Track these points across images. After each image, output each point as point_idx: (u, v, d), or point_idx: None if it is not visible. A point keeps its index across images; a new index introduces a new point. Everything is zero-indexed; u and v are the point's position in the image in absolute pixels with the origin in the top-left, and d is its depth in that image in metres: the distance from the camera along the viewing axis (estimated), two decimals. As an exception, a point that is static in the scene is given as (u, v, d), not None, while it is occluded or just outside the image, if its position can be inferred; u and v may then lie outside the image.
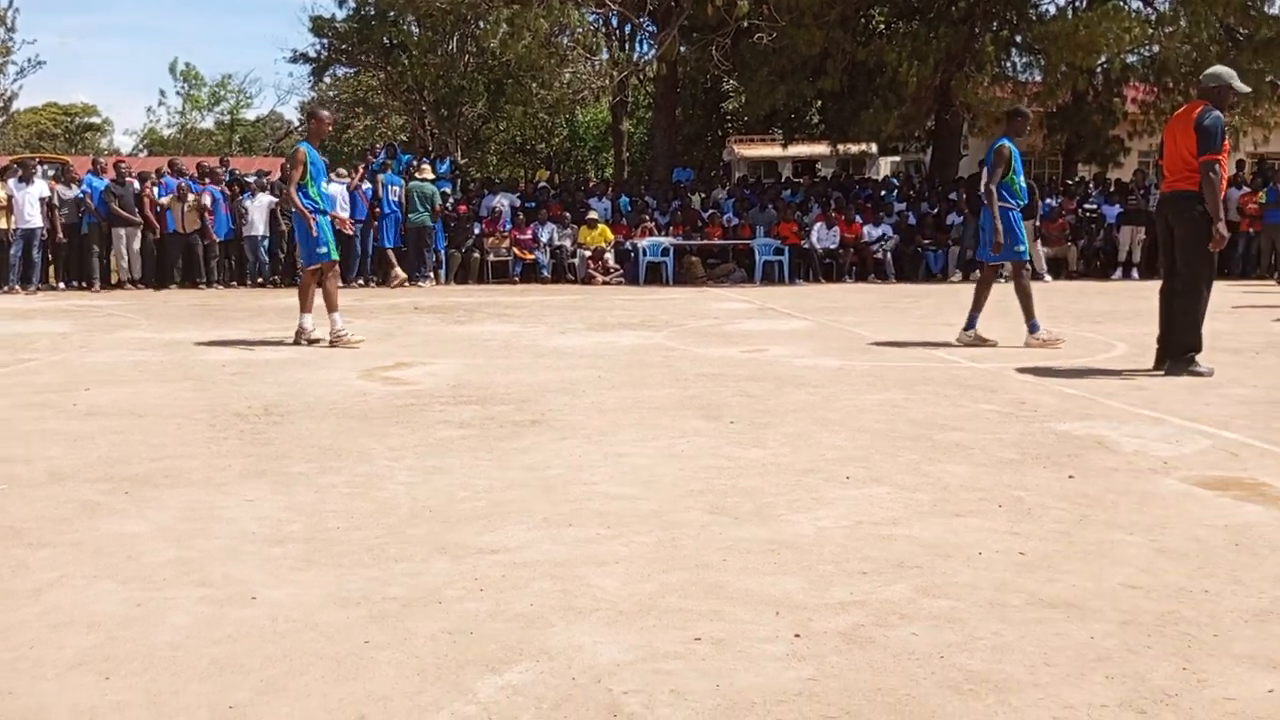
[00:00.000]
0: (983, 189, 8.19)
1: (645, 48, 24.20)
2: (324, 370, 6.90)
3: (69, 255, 15.23)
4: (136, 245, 15.14)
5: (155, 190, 15.43)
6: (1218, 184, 6.44)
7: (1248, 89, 7.39)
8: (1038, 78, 20.13)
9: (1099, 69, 19.31)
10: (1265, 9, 18.42)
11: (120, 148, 49.56)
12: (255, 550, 3.14)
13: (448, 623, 2.57)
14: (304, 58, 29.11)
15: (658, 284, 16.74)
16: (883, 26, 22.02)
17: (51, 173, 16.31)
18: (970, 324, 8.28)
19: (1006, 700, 2.15)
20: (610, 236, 17.22)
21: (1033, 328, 8.10)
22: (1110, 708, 2.12)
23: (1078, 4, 20.16)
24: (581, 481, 3.96)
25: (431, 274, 16.27)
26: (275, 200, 15.53)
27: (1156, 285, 6.95)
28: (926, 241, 17.99)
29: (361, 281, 15.96)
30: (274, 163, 32.27)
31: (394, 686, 2.22)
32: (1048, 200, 17.92)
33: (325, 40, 28.21)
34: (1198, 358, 6.52)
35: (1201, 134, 6.40)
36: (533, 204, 18.32)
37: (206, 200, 15.48)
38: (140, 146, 49.07)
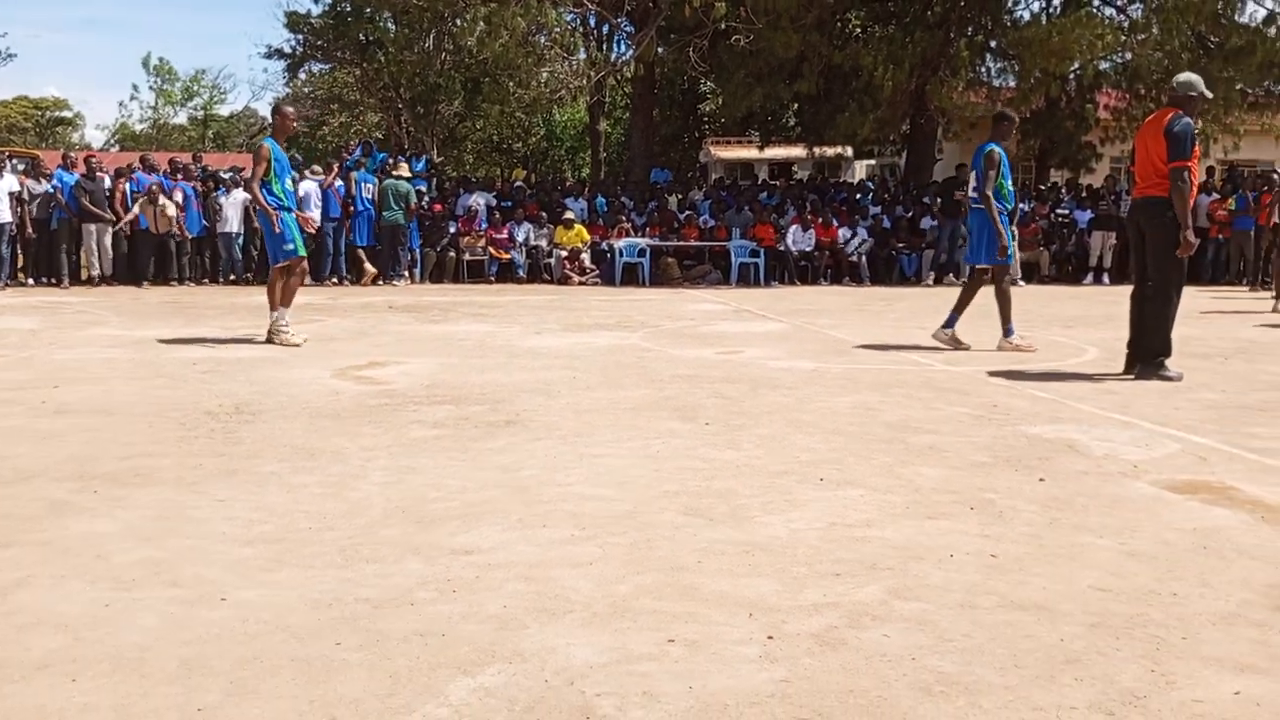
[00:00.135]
0: (979, 194, 8.20)
1: (623, 48, 24.18)
2: (297, 369, 6.86)
3: (38, 251, 15.04)
4: (108, 241, 14.97)
5: (127, 186, 15.27)
6: (1187, 191, 6.51)
7: (1209, 95, 7.48)
8: (1012, 83, 20.28)
9: (1072, 75, 19.48)
10: (1235, 18, 18.64)
11: (92, 143, 49.09)
12: (226, 550, 3.12)
13: (420, 624, 2.56)
14: (279, 53, 28.95)
15: (634, 285, 16.74)
16: (859, 30, 22.13)
17: (21, 167, 16.08)
18: (949, 323, 8.33)
19: (977, 702, 2.16)
20: (586, 237, 17.20)
21: (1008, 332, 8.16)
22: (1080, 709, 2.13)
23: (1051, 10, 20.35)
24: (556, 482, 3.95)
25: (406, 273, 16.20)
26: (250, 197, 15.40)
27: (1127, 290, 7.01)
28: (901, 245, 18.09)
29: (335, 280, 15.87)
30: (248, 159, 32.06)
31: (365, 689, 2.21)
32: (1021, 205, 18.06)
33: (300, 36, 28.05)
34: (1167, 362, 6.60)
35: (1171, 141, 6.47)
36: (509, 203, 18.27)
37: (178, 197, 15.33)
38: (112, 141, 48.60)
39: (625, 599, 2.74)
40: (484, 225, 17.24)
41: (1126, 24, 19.06)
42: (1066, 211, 18.71)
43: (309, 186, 15.78)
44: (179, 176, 15.92)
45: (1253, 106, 19.09)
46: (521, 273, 17.07)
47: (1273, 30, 18.21)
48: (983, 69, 20.88)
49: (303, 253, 8.55)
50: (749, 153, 31.45)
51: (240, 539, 3.23)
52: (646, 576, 2.91)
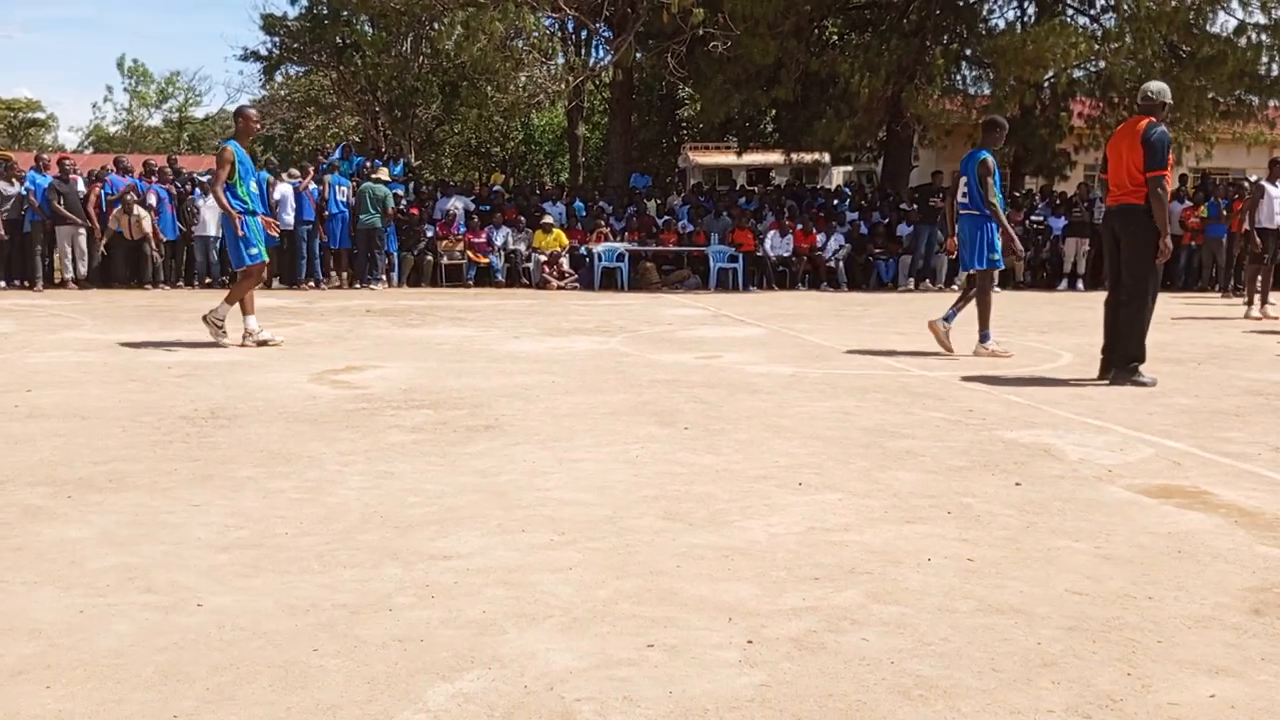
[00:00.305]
0: (972, 201, 8.25)
1: (601, 53, 24.20)
2: (273, 373, 6.81)
3: (11, 253, 14.87)
4: (82, 244, 14.84)
5: (101, 190, 15.14)
6: (1165, 198, 6.59)
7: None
8: (986, 91, 20.46)
9: (1046, 83, 19.66)
10: (1207, 27, 18.88)
11: (65, 145, 48.64)
12: (201, 556, 3.09)
13: (398, 630, 2.54)
14: (255, 56, 28.72)
15: (613, 289, 16.74)
16: (836, 38, 22.27)
17: (-7, 169, 15.91)
18: (946, 316, 8.35)
19: (955, 706, 2.17)
20: (565, 241, 17.19)
21: (984, 337, 8.22)
22: (1056, 713, 2.15)
23: (1026, 19, 20.55)
24: (535, 487, 3.94)
25: (384, 277, 16.14)
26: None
27: (1101, 296, 7.08)
28: (878, 250, 18.19)
29: (312, 284, 15.78)
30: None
31: (343, 695, 2.19)
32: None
33: (276, 38, 27.85)
34: (1141, 368, 6.66)
35: (1149, 149, 6.53)
36: (487, 207, 18.23)
37: (152, 200, 15.21)
38: (86, 143, 48.17)
39: (605, 604, 2.74)
40: (462, 229, 17.19)
41: (1100, 33, 19.27)
42: (1041, 218, 18.88)
43: (285, 189, 15.71)
44: (153, 179, 15.79)
45: (1224, 115, 19.32)
46: (500, 277, 17.04)
47: (1244, 40, 18.46)
48: (958, 77, 21.06)
49: (265, 258, 8.49)
50: (727, 158, 31.55)
51: (216, 545, 3.20)
52: (626, 581, 2.91)
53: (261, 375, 6.72)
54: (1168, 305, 11.73)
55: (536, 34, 21.37)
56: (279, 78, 33.57)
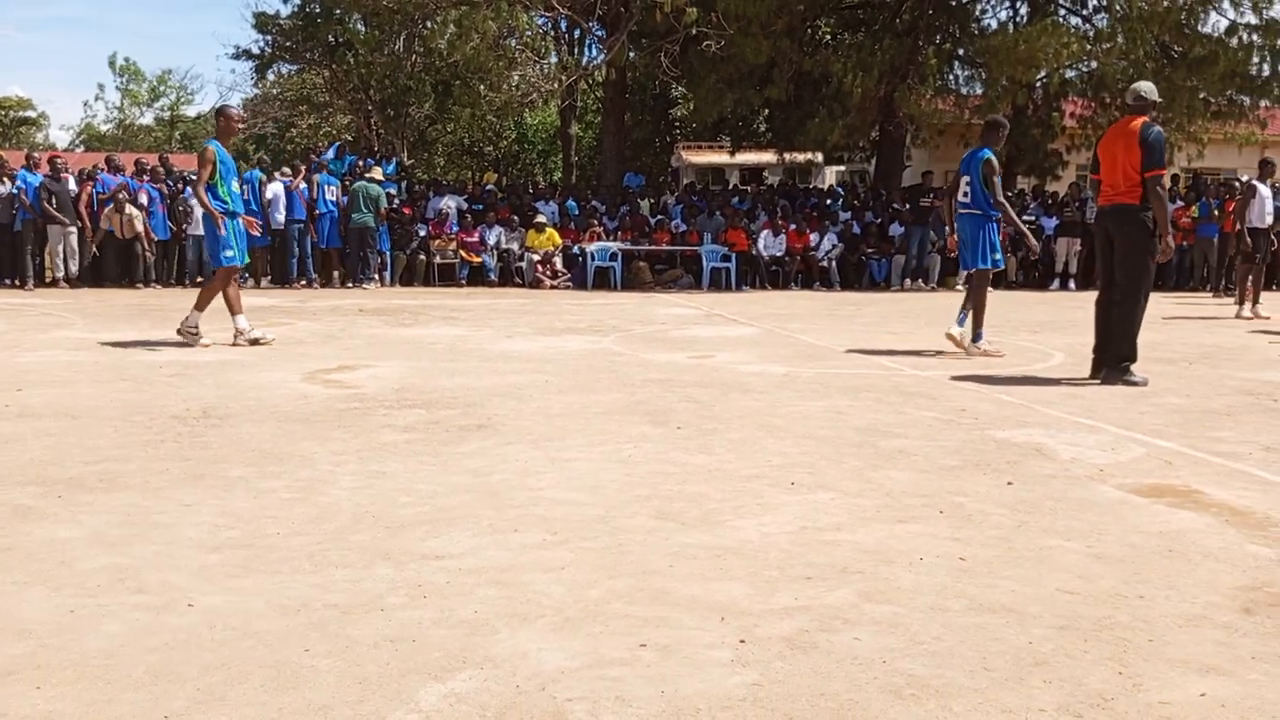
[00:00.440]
0: (974, 201, 8.25)
1: (594, 52, 24.20)
2: (265, 372, 6.80)
3: (2, 252, 14.83)
4: (74, 242, 14.79)
5: (92, 188, 15.09)
6: (1166, 197, 6.62)
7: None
8: (979, 91, 20.50)
9: (1038, 83, 19.70)
10: (1199, 28, 18.95)
11: (56, 143, 48.47)
12: (192, 556, 3.08)
13: (390, 630, 2.54)
14: (247, 54, 28.64)
15: (605, 289, 16.74)
16: (829, 37, 22.29)
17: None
18: (960, 320, 8.32)
19: (948, 705, 2.18)
20: (558, 240, 17.18)
21: (977, 337, 8.24)
22: (1048, 712, 2.15)
23: (1018, 19, 20.59)
24: (527, 487, 3.94)
25: (376, 276, 16.11)
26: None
27: (1093, 296, 7.09)
28: (870, 250, 18.22)
29: (304, 283, 15.75)
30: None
31: (335, 695, 2.19)
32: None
33: (269, 37, 27.77)
34: (1133, 367, 6.68)
35: (1147, 149, 6.55)
36: (480, 206, 18.22)
37: (143, 199, 15.16)
38: (77, 142, 48.01)
39: (597, 603, 2.73)
40: (455, 228, 17.17)
41: (1092, 33, 19.32)
42: (1033, 218, 18.92)
43: (276, 188, 15.68)
44: (145, 178, 15.74)
45: (1216, 115, 19.39)
46: (493, 276, 17.03)
47: (1235, 40, 18.53)
48: (950, 77, 21.11)
49: (241, 261, 8.45)
50: (720, 158, 31.55)
51: (207, 545, 3.19)
52: (618, 581, 2.91)
53: (253, 374, 6.70)
54: (1159, 305, 11.76)
55: (529, 33, 21.38)
56: (271, 76, 33.46)
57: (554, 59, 23.84)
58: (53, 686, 2.21)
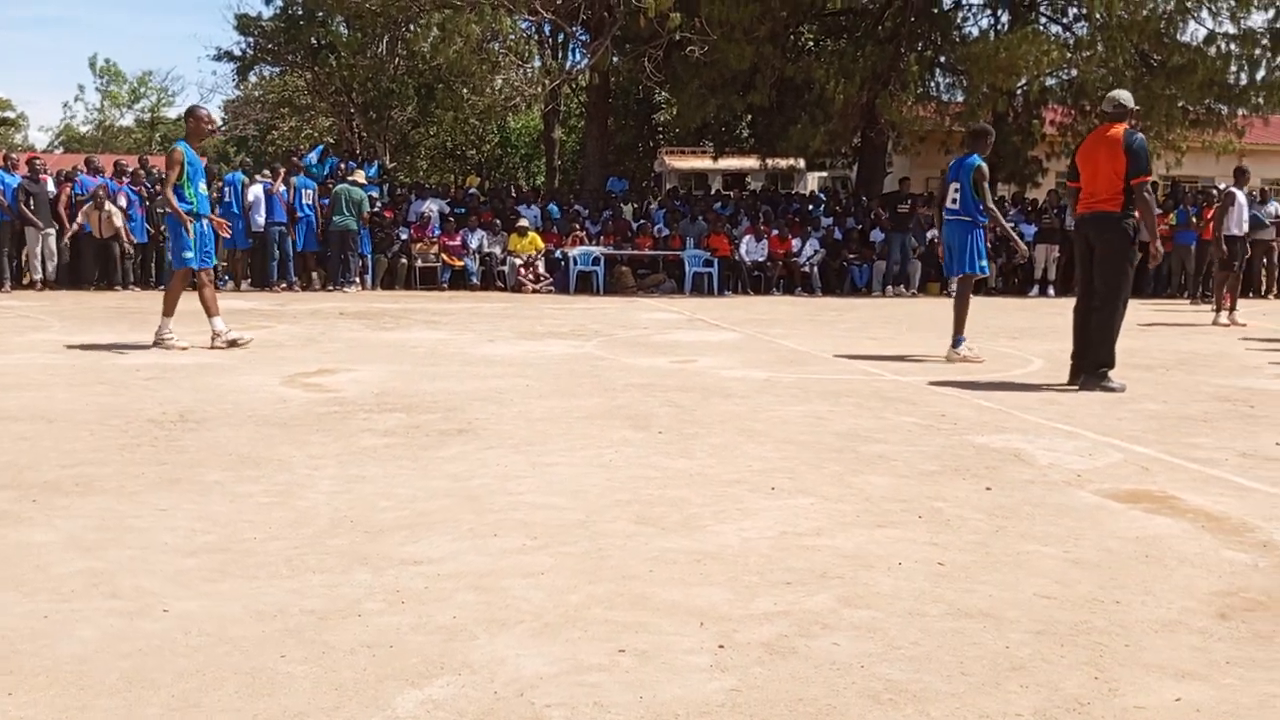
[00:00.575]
0: (963, 208, 8.28)
1: (577, 56, 24.22)
2: (243, 376, 6.76)
3: (-23, 254, 14.69)
4: (51, 245, 14.67)
5: (71, 189, 14.98)
6: (1153, 203, 6.68)
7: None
8: (960, 98, 20.62)
9: (1019, 91, 19.84)
10: (1177, 37, 19.11)
11: (35, 144, 48.09)
12: (168, 561, 3.06)
13: (367, 636, 2.52)
14: (228, 56, 28.53)
15: (588, 293, 16.73)
16: (811, 44, 22.38)
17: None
18: (956, 343, 8.34)
19: (925, 710, 2.18)
20: (541, 244, 17.17)
21: (957, 342, 8.27)
22: (1025, 716, 2.16)
23: (999, 27, 20.72)
24: (507, 491, 3.92)
25: (357, 279, 16.05)
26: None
27: (1071, 302, 7.14)
28: (852, 256, 18.28)
29: (284, 286, 15.67)
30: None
31: (310, 702, 2.17)
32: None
33: (251, 39, 27.67)
34: (1111, 374, 6.72)
35: (1132, 156, 6.60)
36: (462, 210, 18.18)
37: (122, 202, 15.06)
38: (56, 143, 47.65)
39: (576, 609, 2.73)
40: (437, 232, 17.13)
41: (1072, 41, 19.46)
42: (1012, 225, 19.04)
43: (257, 191, 15.61)
44: (124, 180, 15.63)
45: (1194, 123, 19.56)
46: (475, 280, 16.99)
47: (1213, 49, 18.70)
48: (932, 84, 21.22)
49: (199, 265, 8.37)
50: (703, 163, 31.62)
51: (183, 549, 3.17)
52: (598, 586, 2.90)
53: (231, 378, 6.66)
54: (1136, 311, 11.85)
55: (513, 37, 21.37)
56: (253, 78, 33.36)
57: (537, 63, 23.85)
58: (25, 693, 2.19)
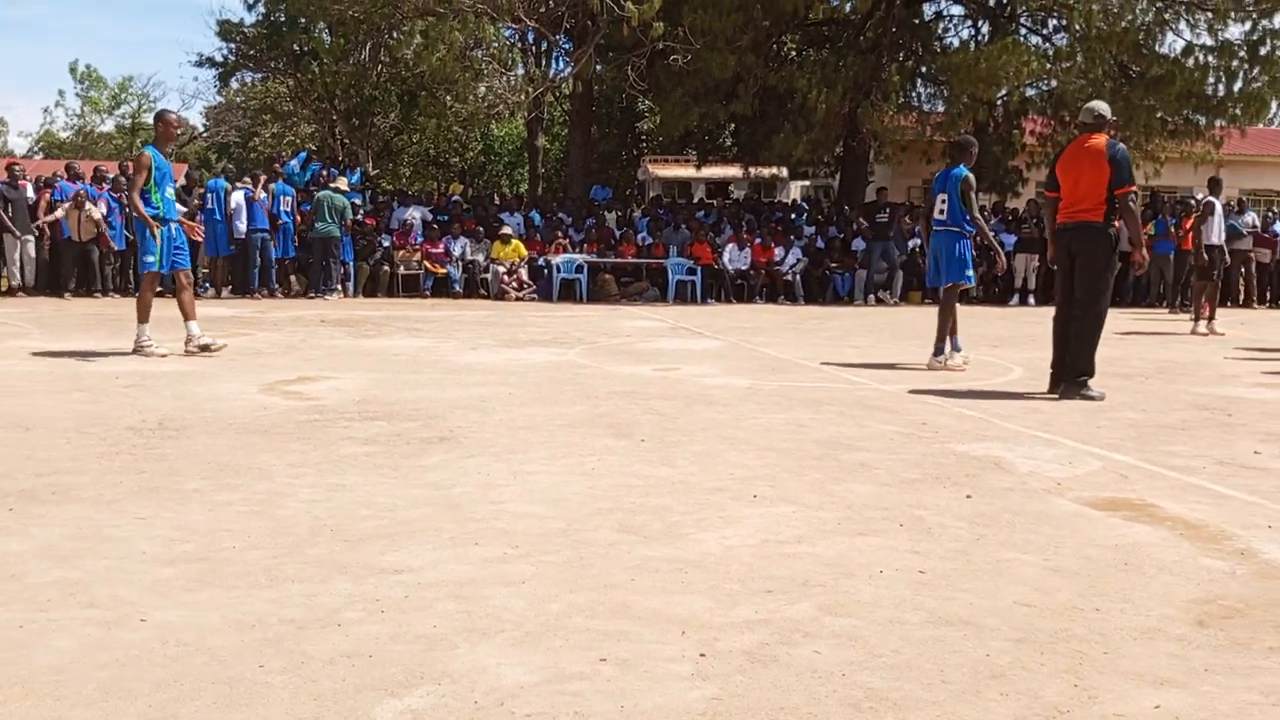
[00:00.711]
0: (951, 219, 8.34)
1: (561, 65, 24.24)
2: (223, 384, 6.72)
3: (-46, 261, 14.58)
4: (30, 250, 14.56)
5: (50, 195, 14.88)
6: (1138, 212, 6.75)
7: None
8: (941, 108, 20.75)
9: (999, 101, 19.97)
10: (1156, 48, 19.31)
11: (14, 150, 47.70)
12: (146, 570, 3.03)
13: (346, 645, 2.51)
14: (210, 62, 28.43)
15: (571, 301, 16.73)
16: (794, 53, 22.48)
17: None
18: (955, 346, 8.38)
19: (905, 718, 2.18)
20: (524, 252, 17.16)
21: (938, 350, 8.31)
22: (1005, 724, 2.17)
23: (980, 38, 20.88)
24: (489, 500, 3.91)
25: (339, 286, 15.99)
26: (182, 209, 15.10)
27: (1051, 311, 7.18)
28: (834, 265, 18.35)
29: (265, 293, 15.60)
30: (177, 169, 31.45)
31: (289, 712, 2.16)
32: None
33: (233, 45, 27.58)
34: (1090, 382, 6.76)
35: (1116, 167, 6.65)
36: (445, 217, 18.16)
37: (102, 208, 14.97)
38: (36, 149, 47.29)
39: (558, 617, 2.72)
40: (420, 239, 17.09)
41: (1051, 52, 19.63)
42: (993, 234, 19.15)
43: (238, 197, 15.54)
44: (104, 186, 15.54)
45: (1172, 134, 19.74)
46: (458, 288, 16.96)
47: (1191, 61, 18.90)
48: (913, 94, 21.37)
49: (165, 270, 8.34)
50: (687, 171, 31.69)
51: (161, 559, 3.14)
52: (579, 595, 2.90)
53: (211, 386, 6.62)
54: (1115, 320, 11.93)
55: (496, 45, 21.37)
56: (235, 84, 33.25)
57: (521, 71, 23.88)
58: (0, 704, 2.17)
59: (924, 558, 3.29)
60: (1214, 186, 13.03)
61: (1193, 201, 16.09)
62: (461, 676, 2.34)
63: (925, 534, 3.55)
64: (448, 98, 27.02)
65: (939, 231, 8.48)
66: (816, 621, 2.72)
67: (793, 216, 20.56)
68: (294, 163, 18.26)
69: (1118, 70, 19.28)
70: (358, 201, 17.25)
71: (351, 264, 16.35)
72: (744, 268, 17.64)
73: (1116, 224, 6.76)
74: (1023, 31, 20.57)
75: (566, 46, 21.52)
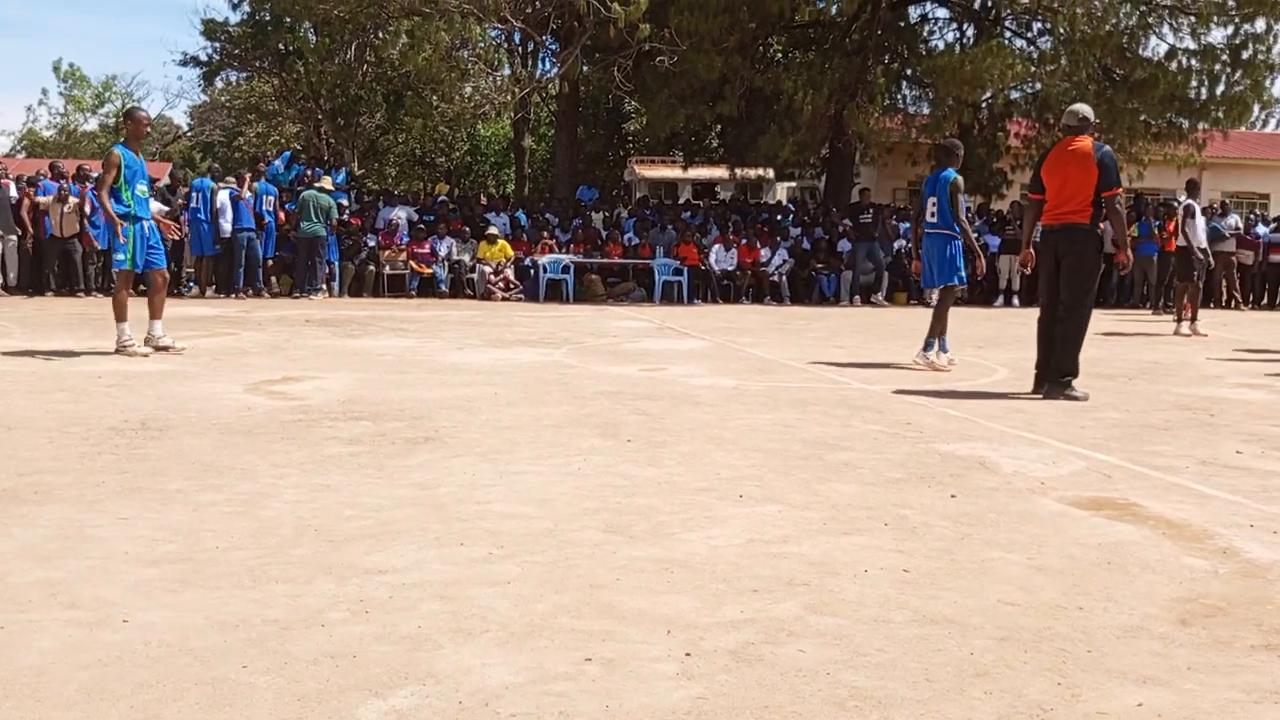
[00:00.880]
0: (942, 221, 8.39)
1: (547, 65, 24.21)
2: (207, 383, 6.68)
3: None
4: (13, 248, 14.46)
5: (35, 193, 14.78)
6: (1125, 214, 6.79)
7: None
8: (926, 110, 20.82)
9: (984, 103, 20.06)
10: (1140, 51, 19.42)
11: (-4, 148, 47.30)
12: (128, 571, 3.01)
13: (330, 646, 2.50)
14: (195, 61, 28.27)
15: (557, 301, 16.71)
16: (780, 55, 22.52)
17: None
18: (943, 346, 8.44)
19: (890, 716, 2.19)
20: (510, 252, 17.14)
21: (928, 345, 8.37)
22: (989, 723, 2.17)
23: (965, 41, 20.96)
24: (475, 500, 3.90)
25: (324, 286, 15.93)
26: (165, 208, 15.04)
27: (1035, 312, 7.21)
28: (820, 266, 18.39)
29: (250, 292, 15.53)
30: (161, 168, 31.29)
31: (272, 713, 2.15)
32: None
33: (217, 44, 27.43)
34: (1074, 383, 6.79)
35: (1104, 169, 6.70)
36: (431, 217, 18.11)
37: (86, 209, 14.89)
38: (18, 148, 46.95)
39: (543, 618, 2.72)
40: (405, 239, 17.05)
41: (1036, 55, 19.72)
42: (977, 235, 19.22)
43: (224, 196, 15.47)
44: (87, 185, 15.44)
45: (1155, 137, 19.87)
46: (444, 288, 16.92)
47: (1174, 64, 19.02)
48: (898, 96, 21.43)
49: (138, 268, 8.32)
50: (673, 172, 31.68)
51: (143, 559, 3.13)
52: (565, 595, 2.89)
53: (195, 385, 6.59)
54: (1099, 321, 11.99)
55: (482, 45, 21.33)
56: (219, 84, 33.08)
57: (507, 71, 23.82)
58: (-21, 705, 2.15)
59: (909, 557, 3.29)
60: (1191, 189, 13.12)
61: (1175, 204, 16.20)
62: (446, 677, 2.34)
63: (910, 533, 3.56)
64: (434, 98, 26.96)
65: (930, 234, 8.53)
66: (802, 621, 2.73)
67: (779, 218, 20.58)
68: (278, 162, 18.18)
69: (1102, 73, 19.38)
70: (344, 201, 17.19)
71: (337, 264, 16.30)
72: (730, 268, 17.67)
73: (1102, 226, 6.81)
74: (1007, 35, 20.67)
75: (553, 47, 21.50)
